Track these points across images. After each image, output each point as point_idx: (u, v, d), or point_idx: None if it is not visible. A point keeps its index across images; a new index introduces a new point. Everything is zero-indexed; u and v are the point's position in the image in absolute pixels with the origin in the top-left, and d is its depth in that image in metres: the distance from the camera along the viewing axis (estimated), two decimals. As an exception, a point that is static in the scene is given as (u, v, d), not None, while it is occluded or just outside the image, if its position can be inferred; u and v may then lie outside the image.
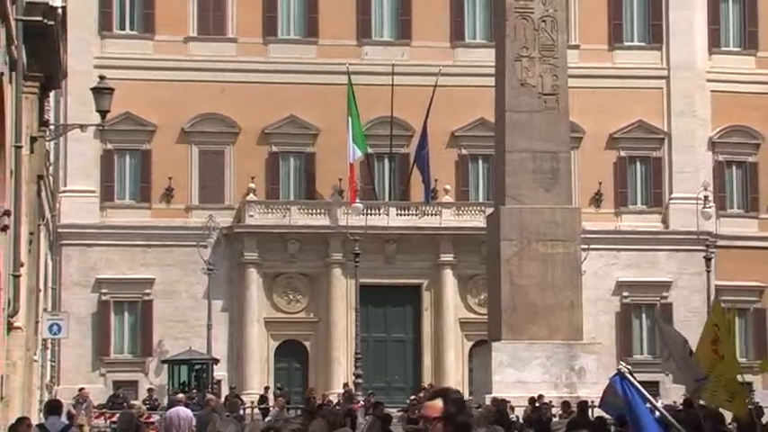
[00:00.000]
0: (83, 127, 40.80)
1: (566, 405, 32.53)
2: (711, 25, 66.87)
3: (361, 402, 48.64)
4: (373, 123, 63.19)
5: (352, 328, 61.10)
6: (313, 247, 62.62)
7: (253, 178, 62.87)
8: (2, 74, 20.26)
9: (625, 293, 64.73)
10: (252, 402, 51.81)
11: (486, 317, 46.47)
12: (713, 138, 66.40)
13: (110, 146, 62.66)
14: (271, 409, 47.19)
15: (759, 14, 67.12)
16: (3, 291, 21.47)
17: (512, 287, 40.11)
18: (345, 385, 56.11)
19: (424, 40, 64.50)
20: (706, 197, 64.31)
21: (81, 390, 49.57)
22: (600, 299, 61.83)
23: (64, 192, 60.60)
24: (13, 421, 19.85)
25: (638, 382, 22.33)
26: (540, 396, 36.32)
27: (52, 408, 21.77)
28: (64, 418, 24.84)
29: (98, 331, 61.73)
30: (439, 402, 8.26)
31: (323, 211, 63.18)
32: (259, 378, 60.99)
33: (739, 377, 19.98)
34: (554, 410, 33.86)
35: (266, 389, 56.66)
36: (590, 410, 29.39)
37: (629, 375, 12.35)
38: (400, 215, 63.36)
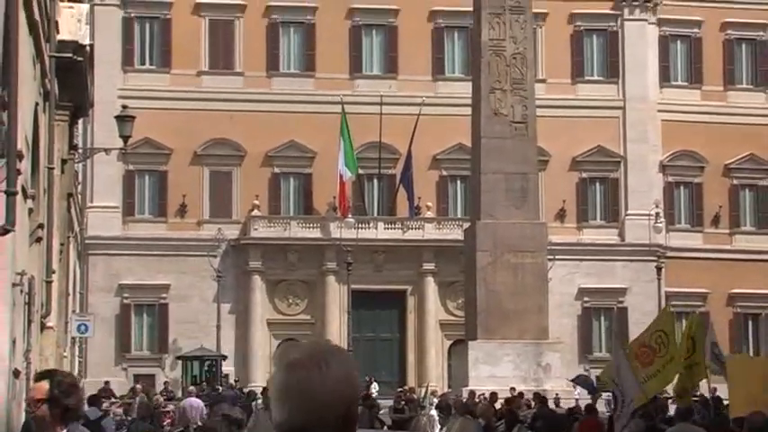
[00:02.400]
0: (107, 150, 40.86)
1: (537, 396, 32.55)
2: (662, 62, 67.09)
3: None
4: (364, 147, 63.23)
5: (344, 329, 61.08)
6: (310, 256, 62.62)
7: (257, 196, 62.88)
8: (37, 104, 20.30)
9: (586, 298, 64.81)
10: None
11: (463, 319, 46.46)
12: (663, 161, 66.57)
13: (131, 167, 62.64)
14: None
15: (704, 53, 67.37)
16: (37, 295, 21.47)
17: (486, 293, 40.12)
18: None
19: (409, 74, 64.59)
20: (657, 213, 64.62)
21: (106, 383, 49.47)
22: (564, 303, 61.87)
23: (90, 207, 60.58)
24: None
25: (597, 377, 22.17)
26: (513, 389, 36.31)
27: (91, 400, 22.18)
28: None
29: (120, 330, 61.67)
30: (45, 384, 7.28)
31: (319, 225, 63.22)
32: (262, 372, 60.92)
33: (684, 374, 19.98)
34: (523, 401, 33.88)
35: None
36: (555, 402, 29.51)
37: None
38: (387, 229, 63.40)
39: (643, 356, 19.30)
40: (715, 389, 31.39)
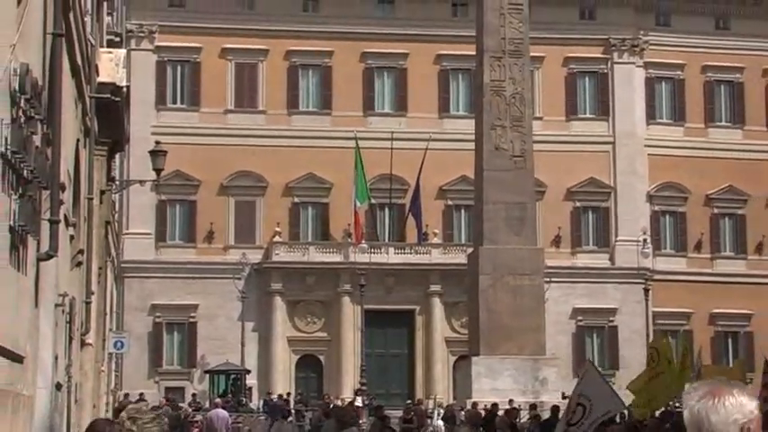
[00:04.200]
0: (142, 182, 40.96)
1: (533, 407, 32.44)
2: (648, 102, 67.15)
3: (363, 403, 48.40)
4: (376, 179, 63.28)
5: (358, 345, 60.99)
6: (327, 279, 62.58)
7: (278, 223, 62.90)
8: (78, 140, 20.32)
9: (579, 317, 64.67)
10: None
11: (467, 336, 46.35)
12: (650, 192, 66.52)
13: (163, 197, 62.74)
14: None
15: (686, 94, 67.46)
16: (77, 314, 21.45)
17: (488, 312, 40.02)
18: (360, 392, 55.27)
19: (418, 111, 64.70)
20: (644, 240, 64.54)
21: (141, 395, 49.34)
22: (559, 322, 61.72)
23: (126, 234, 60.65)
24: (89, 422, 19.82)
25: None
26: (511, 401, 36.23)
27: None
28: None
29: (153, 347, 61.62)
30: None
31: (335, 250, 63.18)
32: (282, 385, 60.82)
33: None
34: (522, 413, 33.77)
35: (288, 394, 56.51)
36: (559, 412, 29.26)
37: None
38: (397, 253, 63.35)
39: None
40: None
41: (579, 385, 18.51)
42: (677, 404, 37.01)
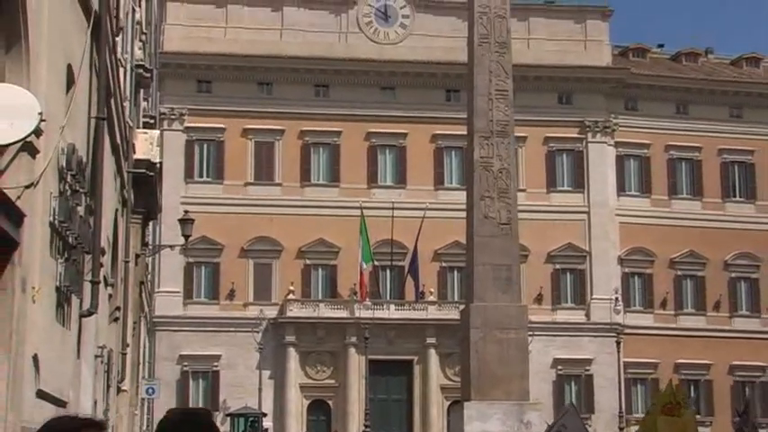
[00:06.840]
0: (172, 247, 40.92)
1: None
2: (618, 176, 67.29)
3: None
4: (379, 244, 63.24)
5: (362, 392, 60.57)
6: (335, 332, 62.32)
7: (292, 283, 62.76)
8: (117, 210, 20.36)
9: (559, 367, 64.29)
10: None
11: (459, 383, 45.97)
12: (621, 256, 66.46)
13: (191, 259, 62.69)
14: None
15: (652, 169, 67.71)
16: (114, 364, 21.34)
17: (478, 362, 39.50)
18: None
19: (416, 184, 64.81)
20: (616, 298, 64.34)
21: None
22: (541, 371, 61.34)
23: (158, 292, 60.48)
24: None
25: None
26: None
27: None
28: None
29: (180, 392, 61.19)
30: None
31: (342, 306, 62.98)
32: (295, 427, 60.38)
33: None
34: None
35: (300, 435, 56.11)
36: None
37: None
38: (398, 310, 63.13)
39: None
40: None
41: (561, 419, 18.30)
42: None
